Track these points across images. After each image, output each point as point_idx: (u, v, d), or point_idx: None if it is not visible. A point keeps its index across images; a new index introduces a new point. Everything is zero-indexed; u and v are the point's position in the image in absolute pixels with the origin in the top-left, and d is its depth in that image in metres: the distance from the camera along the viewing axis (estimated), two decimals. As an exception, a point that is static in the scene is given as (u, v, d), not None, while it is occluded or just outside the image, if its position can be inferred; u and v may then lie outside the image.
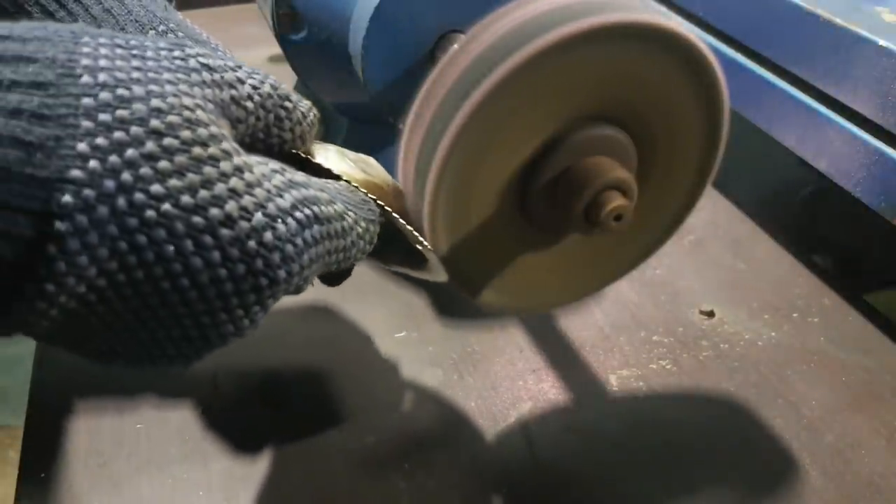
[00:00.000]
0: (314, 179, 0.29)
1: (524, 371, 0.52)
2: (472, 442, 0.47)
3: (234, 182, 0.25)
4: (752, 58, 0.61)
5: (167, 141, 0.23)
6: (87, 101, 0.23)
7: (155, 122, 0.23)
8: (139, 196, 0.23)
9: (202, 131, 0.24)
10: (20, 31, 0.23)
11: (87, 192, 0.22)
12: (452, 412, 0.49)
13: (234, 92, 0.27)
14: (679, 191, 0.38)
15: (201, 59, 0.26)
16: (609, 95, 0.33)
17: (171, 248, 0.23)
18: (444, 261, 0.35)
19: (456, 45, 0.32)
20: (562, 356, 0.54)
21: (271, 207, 0.25)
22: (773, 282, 0.61)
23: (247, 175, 0.25)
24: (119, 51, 0.24)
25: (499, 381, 0.51)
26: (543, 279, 0.38)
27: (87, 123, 0.22)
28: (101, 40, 0.24)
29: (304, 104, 0.31)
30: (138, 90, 0.24)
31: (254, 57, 0.88)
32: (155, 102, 0.24)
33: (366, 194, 0.31)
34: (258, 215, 0.25)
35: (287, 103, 0.30)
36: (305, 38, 0.48)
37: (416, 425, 0.48)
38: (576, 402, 0.50)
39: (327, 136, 0.59)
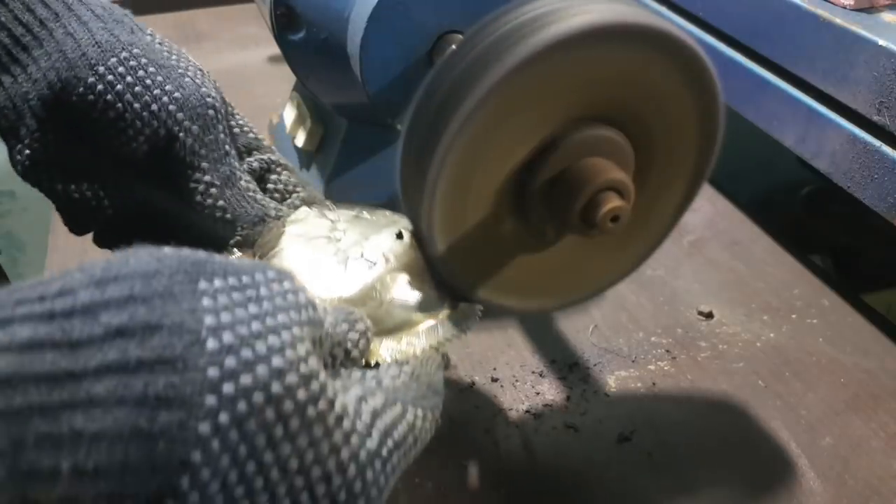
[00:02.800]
0: (386, 382, 0.30)
1: (523, 371, 0.52)
2: (469, 442, 0.47)
3: (336, 437, 0.26)
4: (752, 58, 0.61)
5: (285, 406, 0.24)
6: (212, 372, 0.23)
7: (276, 387, 0.24)
8: (250, 467, 0.24)
9: (314, 386, 0.25)
10: (134, 271, 0.24)
11: (204, 472, 0.23)
12: (451, 412, 0.49)
13: (329, 347, 0.29)
14: (675, 191, 0.38)
15: (304, 295, 0.27)
16: (606, 97, 0.33)
17: None
18: (442, 260, 0.35)
19: (454, 46, 0.32)
20: (561, 357, 0.54)
21: (363, 456, 0.27)
22: (772, 282, 0.61)
23: (345, 423, 0.26)
24: (236, 295, 0.25)
25: (498, 382, 0.51)
26: (541, 280, 0.38)
27: (211, 401, 0.23)
28: (217, 283, 0.25)
29: (362, 325, 0.31)
30: (260, 347, 0.24)
31: (253, 57, 0.88)
32: (276, 361, 0.24)
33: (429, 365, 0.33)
34: (352, 468, 0.26)
35: (355, 340, 0.30)
36: (304, 39, 0.48)
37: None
38: (575, 403, 0.50)
39: (326, 137, 0.59)
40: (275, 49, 0.51)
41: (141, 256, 0.25)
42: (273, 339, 0.25)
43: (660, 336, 0.56)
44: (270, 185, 0.40)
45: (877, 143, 0.51)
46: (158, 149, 0.37)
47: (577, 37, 0.30)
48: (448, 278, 0.36)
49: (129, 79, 0.36)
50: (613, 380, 0.52)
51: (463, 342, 0.54)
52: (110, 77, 0.35)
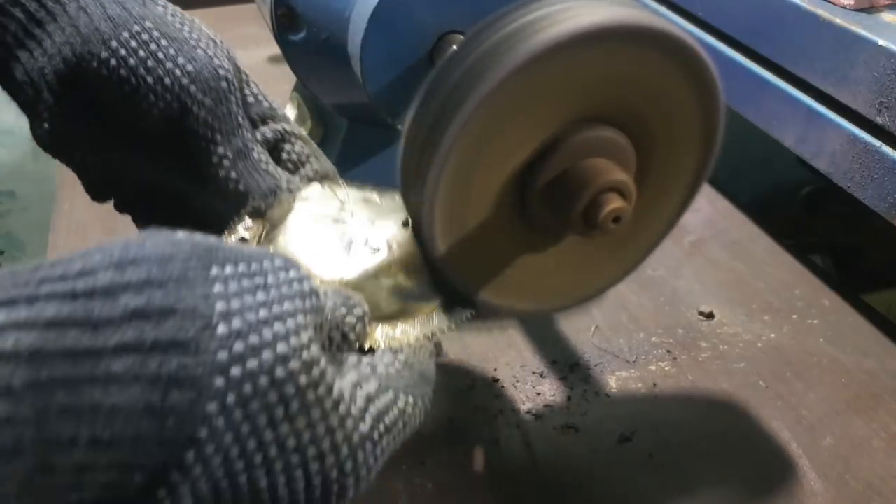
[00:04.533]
0: (380, 369, 0.31)
1: (524, 372, 0.52)
2: (470, 442, 0.47)
3: (332, 420, 0.27)
4: (752, 58, 0.61)
5: (287, 389, 0.26)
6: (222, 355, 0.24)
7: (279, 372, 0.26)
8: (251, 443, 0.25)
9: (315, 372, 0.27)
10: (150, 254, 0.25)
11: (209, 447, 0.24)
12: (452, 413, 0.49)
13: (327, 330, 0.30)
14: (676, 191, 0.38)
15: (308, 284, 0.28)
16: (607, 97, 0.33)
17: (265, 481, 0.26)
18: (443, 261, 0.35)
19: (454, 47, 0.32)
20: (561, 357, 0.54)
21: (356, 438, 0.28)
22: (772, 282, 0.61)
23: (341, 407, 0.28)
24: (245, 282, 0.26)
25: (499, 383, 0.51)
26: (542, 281, 0.38)
27: (219, 382, 0.24)
28: (228, 270, 0.26)
29: (359, 310, 0.32)
30: (267, 334, 0.26)
31: (254, 57, 0.88)
32: (281, 348, 0.26)
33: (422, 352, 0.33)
34: (344, 449, 0.28)
35: (352, 324, 0.31)
36: (304, 39, 0.48)
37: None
38: (575, 403, 0.50)
39: (326, 137, 0.59)
40: (275, 49, 0.51)
41: (157, 240, 0.26)
42: (279, 327, 0.26)
43: (660, 336, 0.56)
44: (284, 155, 0.40)
45: (877, 143, 0.51)
46: (172, 122, 0.37)
47: (578, 38, 0.30)
48: (449, 279, 0.35)
49: (141, 53, 0.36)
50: (614, 380, 0.52)
51: (463, 343, 0.54)
52: (123, 52, 0.36)
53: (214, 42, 0.39)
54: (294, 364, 0.26)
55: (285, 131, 0.41)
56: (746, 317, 0.58)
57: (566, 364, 0.53)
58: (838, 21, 0.52)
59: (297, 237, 0.36)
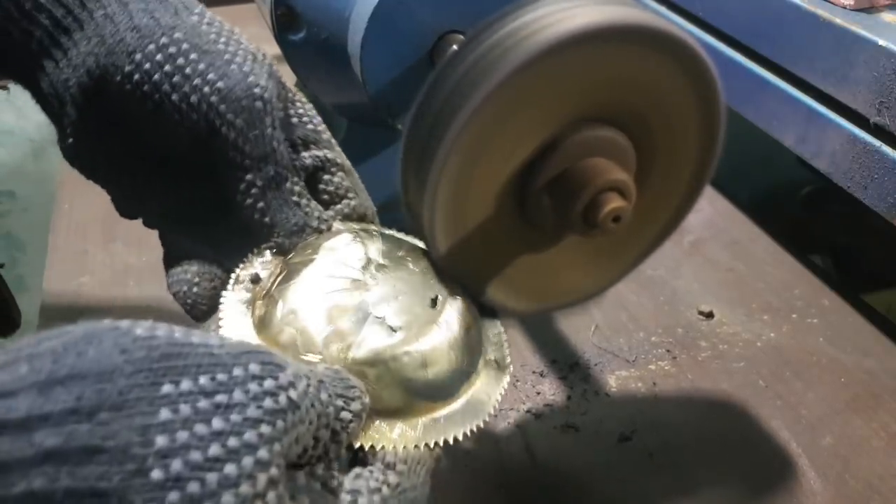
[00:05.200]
0: (361, 501, 0.27)
1: (524, 372, 0.52)
2: (472, 442, 0.47)
3: None
4: (752, 58, 0.61)
5: None
6: None
7: None
8: None
9: None
10: (88, 369, 0.21)
11: None
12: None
13: (314, 430, 0.26)
14: (677, 191, 0.38)
15: (292, 394, 0.24)
16: (607, 97, 0.33)
17: None
18: (444, 261, 0.35)
19: (455, 47, 0.32)
20: (561, 357, 0.54)
21: None
22: (772, 282, 0.61)
23: None
24: (202, 403, 0.22)
25: (498, 382, 0.51)
26: (542, 280, 0.38)
27: None
28: (184, 385, 0.22)
29: (358, 405, 0.28)
30: (211, 481, 0.21)
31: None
32: (226, 499, 0.21)
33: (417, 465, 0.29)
34: None
35: (346, 420, 0.27)
36: (304, 39, 0.48)
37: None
38: (575, 403, 0.50)
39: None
40: (275, 49, 0.51)
41: (104, 343, 0.21)
42: (230, 468, 0.21)
43: (660, 336, 0.56)
44: (321, 186, 0.37)
45: (877, 143, 0.51)
46: (200, 142, 0.34)
47: (578, 37, 0.30)
48: (450, 279, 0.36)
49: (167, 67, 0.33)
50: (614, 380, 0.52)
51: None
52: (147, 65, 0.33)
53: (254, 57, 0.35)
54: None
55: (326, 159, 0.37)
56: (746, 316, 0.58)
57: (566, 363, 0.53)
58: (838, 21, 0.52)
59: (309, 296, 0.31)
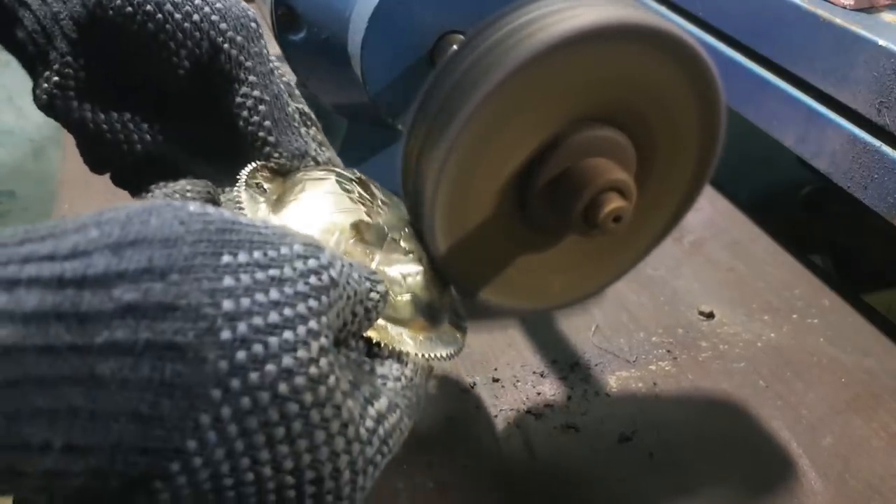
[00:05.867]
0: (389, 385, 0.30)
1: (524, 371, 0.52)
2: (470, 442, 0.47)
3: (337, 444, 0.25)
4: (752, 58, 0.61)
5: (289, 407, 0.23)
6: (222, 365, 0.22)
7: (282, 387, 0.23)
8: (244, 461, 0.23)
9: (321, 391, 0.24)
10: (154, 235, 0.22)
11: (196, 460, 0.22)
12: (452, 413, 0.49)
13: (352, 305, 0.28)
14: (677, 191, 0.38)
15: (332, 273, 0.26)
16: (607, 97, 0.33)
17: (255, 500, 0.24)
18: (444, 261, 0.35)
19: (455, 47, 0.32)
20: (562, 357, 0.54)
21: (360, 463, 0.26)
22: (772, 282, 0.61)
23: (349, 430, 0.25)
24: (259, 275, 0.24)
25: (499, 382, 0.51)
26: (543, 280, 0.38)
27: (216, 394, 0.22)
28: (241, 258, 0.23)
29: (382, 287, 0.30)
30: (273, 343, 0.23)
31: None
32: (286, 361, 0.23)
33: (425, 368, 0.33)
34: (346, 474, 0.25)
35: (375, 300, 0.30)
36: (304, 39, 0.48)
37: (416, 426, 0.48)
38: (576, 403, 0.50)
39: (327, 137, 0.59)
40: (275, 49, 0.51)
41: (164, 215, 0.23)
42: (287, 335, 0.23)
43: (661, 336, 0.56)
44: None
45: (877, 143, 0.51)
46: (200, 65, 0.34)
47: (578, 37, 0.30)
48: (451, 279, 0.36)
49: None
50: (614, 380, 0.52)
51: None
52: None
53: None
54: (299, 380, 0.23)
55: (304, 112, 0.38)
56: (746, 316, 0.58)
57: (566, 364, 0.53)
58: (838, 21, 0.52)
59: (327, 207, 0.33)
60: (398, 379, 0.30)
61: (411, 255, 0.34)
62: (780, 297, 0.60)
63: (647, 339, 0.55)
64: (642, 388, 0.51)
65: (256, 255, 0.24)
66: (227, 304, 0.22)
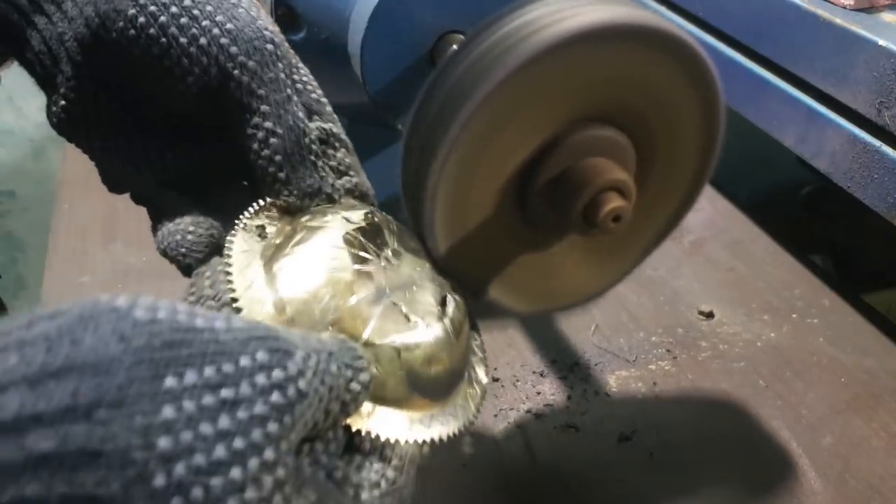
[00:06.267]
0: (364, 497, 0.26)
1: (524, 371, 0.52)
2: (472, 442, 0.47)
3: None
4: (752, 58, 0.61)
5: None
6: None
7: None
8: None
9: None
10: (85, 359, 0.19)
11: None
12: (451, 412, 0.49)
13: (325, 404, 0.25)
14: (677, 191, 0.38)
15: (301, 384, 0.23)
16: (607, 97, 0.33)
17: None
18: (444, 261, 0.35)
19: (455, 47, 0.32)
20: (561, 357, 0.54)
21: None
22: (772, 282, 0.61)
23: None
24: (207, 399, 0.20)
25: (499, 382, 0.51)
26: (543, 280, 0.38)
27: None
28: (189, 379, 0.20)
29: (366, 376, 0.27)
30: (216, 486, 0.20)
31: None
32: None
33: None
34: None
35: (355, 392, 0.26)
36: (304, 39, 0.48)
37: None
38: (575, 403, 0.50)
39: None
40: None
41: (102, 329, 0.20)
42: (235, 473, 0.20)
43: (660, 336, 0.56)
44: (324, 160, 0.35)
45: (877, 143, 0.51)
46: (210, 91, 0.32)
47: (578, 37, 0.30)
48: (452, 279, 0.35)
49: (173, 9, 0.31)
50: (614, 380, 0.52)
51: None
52: (152, 7, 0.31)
53: (257, 6, 0.33)
54: None
55: (332, 133, 0.35)
56: (746, 316, 0.58)
57: (566, 363, 0.53)
58: (838, 21, 0.52)
59: (323, 262, 0.30)
60: (376, 485, 0.27)
61: (415, 322, 0.30)
62: (779, 297, 0.60)
63: (647, 339, 0.55)
64: (642, 388, 0.51)
65: (208, 372, 0.21)
66: (163, 443, 0.19)
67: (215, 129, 0.34)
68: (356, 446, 0.27)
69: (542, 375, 0.52)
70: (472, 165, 0.32)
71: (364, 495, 0.26)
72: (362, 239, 0.31)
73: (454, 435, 0.31)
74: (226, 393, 0.21)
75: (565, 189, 0.33)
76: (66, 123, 0.34)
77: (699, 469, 0.46)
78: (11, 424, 0.18)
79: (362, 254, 0.31)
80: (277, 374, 0.22)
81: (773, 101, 0.59)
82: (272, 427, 0.21)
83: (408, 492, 0.29)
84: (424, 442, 0.29)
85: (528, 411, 0.49)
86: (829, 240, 0.85)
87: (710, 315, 0.58)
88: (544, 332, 0.55)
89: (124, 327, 0.20)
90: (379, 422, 0.28)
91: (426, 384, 0.30)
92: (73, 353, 0.19)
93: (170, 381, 0.20)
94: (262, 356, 0.22)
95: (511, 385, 0.51)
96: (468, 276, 0.36)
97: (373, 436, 0.27)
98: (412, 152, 0.33)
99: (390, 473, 0.28)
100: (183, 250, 0.33)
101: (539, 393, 0.51)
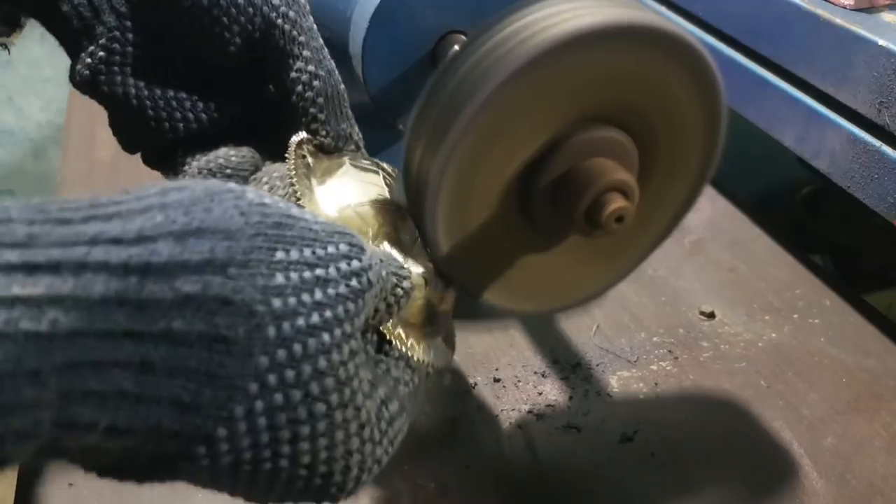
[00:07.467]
0: (401, 389, 0.30)
1: (526, 372, 0.52)
2: (472, 442, 0.47)
3: (353, 443, 0.27)
4: (752, 58, 0.61)
5: (317, 407, 0.25)
6: (263, 360, 0.23)
7: (313, 388, 0.25)
8: (266, 452, 0.24)
9: (346, 392, 0.26)
10: (216, 224, 0.23)
11: (223, 446, 0.23)
12: (453, 413, 0.49)
13: (377, 301, 0.29)
14: (679, 191, 0.38)
15: (370, 275, 0.27)
16: (610, 98, 0.33)
17: (265, 485, 0.25)
18: (446, 262, 0.35)
19: (457, 47, 0.32)
20: (563, 357, 0.54)
21: (368, 462, 0.27)
22: (773, 282, 0.61)
23: (365, 431, 0.27)
24: (307, 274, 0.25)
25: (500, 382, 0.51)
26: (545, 281, 0.38)
27: (253, 387, 0.23)
28: (293, 255, 0.24)
29: (408, 283, 0.31)
30: (311, 345, 0.24)
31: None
32: (321, 363, 0.25)
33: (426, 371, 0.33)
34: (354, 472, 0.27)
35: (399, 296, 0.30)
36: (305, 39, 0.48)
37: (417, 426, 0.48)
38: (577, 403, 0.50)
39: None
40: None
41: (225, 203, 0.23)
42: (325, 337, 0.25)
43: (662, 336, 0.56)
44: None
45: (877, 143, 0.51)
46: (252, 41, 0.34)
47: (580, 38, 0.30)
48: (453, 279, 0.35)
49: None
50: (616, 380, 0.52)
51: (465, 343, 0.54)
52: None
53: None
54: (329, 382, 0.25)
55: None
56: (747, 316, 0.58)
57: (568, 364, 0.53)
58: (838, 21, 0.52)
59: (370, 188, 0.34)
60: (408, 384, 0.31)
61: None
62: (780, 297, 0.60)
63: (649, 340, 0.55)
64: (644, 389, 0.51)
65: (306, 252, 0.25)
66: (276, 303, 0.23)
67: (249, 80, 0.36)
68: (386, 352, 0.31)
69: (543, 376, 0.52)
70: (474, 167, 0.32)
71: (401, 388, 0.30)
72: (390, 186, 0.35)
73: (445, 368, 0.35)
74: (319, 272, 0.25)
75: (568, 190, 0.33)
76: (104, 75, 0.35)
77: (701, 469, 0.46)
78: (164, 267, 0.21)
79: (401, 197, 0.35)
80: (355, 263, 0.26)
81: (773, 101, 0.59)
82: (350, 306, 0.26)
83: (422, 398, 0.32)
84: (431, 365, 0.33)
85: (530, 412, 0.49)
86: (829, 240, 0.86)
87: (711, 315, 0.58)
88: (546, 333, 0.55)
89: (242, 205, 0.24)
90: (403, 338, 0.32)
91: (435, 318, 0.34)
92: (206, 218, 0.23)
93: (279, 255, 0.24)
94: (343, 247, 0.26)
95: (512, 385, 0.51)
96: (470, 277, 0.36)
97: (399, 346, 0.31)
98: (414, 153, 0.33)
99: (416, 378, 0.31)
100: (229, 171, 0.36)
101: (540, 393, 0.51)
